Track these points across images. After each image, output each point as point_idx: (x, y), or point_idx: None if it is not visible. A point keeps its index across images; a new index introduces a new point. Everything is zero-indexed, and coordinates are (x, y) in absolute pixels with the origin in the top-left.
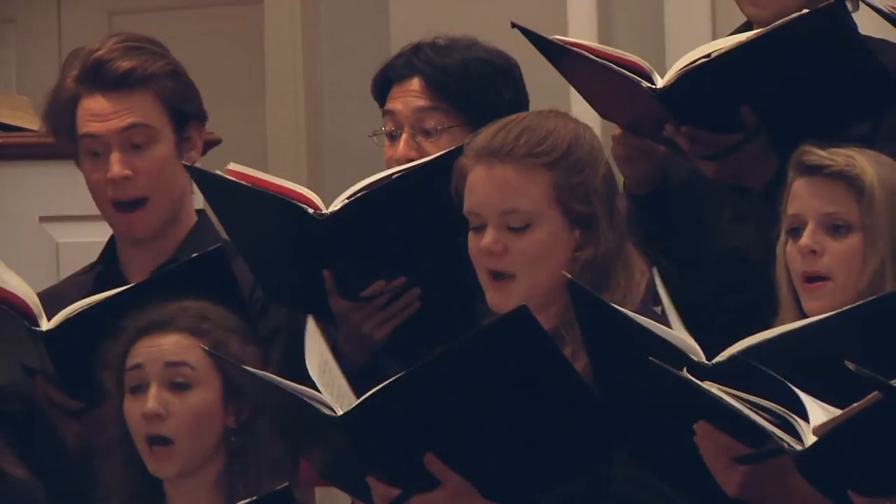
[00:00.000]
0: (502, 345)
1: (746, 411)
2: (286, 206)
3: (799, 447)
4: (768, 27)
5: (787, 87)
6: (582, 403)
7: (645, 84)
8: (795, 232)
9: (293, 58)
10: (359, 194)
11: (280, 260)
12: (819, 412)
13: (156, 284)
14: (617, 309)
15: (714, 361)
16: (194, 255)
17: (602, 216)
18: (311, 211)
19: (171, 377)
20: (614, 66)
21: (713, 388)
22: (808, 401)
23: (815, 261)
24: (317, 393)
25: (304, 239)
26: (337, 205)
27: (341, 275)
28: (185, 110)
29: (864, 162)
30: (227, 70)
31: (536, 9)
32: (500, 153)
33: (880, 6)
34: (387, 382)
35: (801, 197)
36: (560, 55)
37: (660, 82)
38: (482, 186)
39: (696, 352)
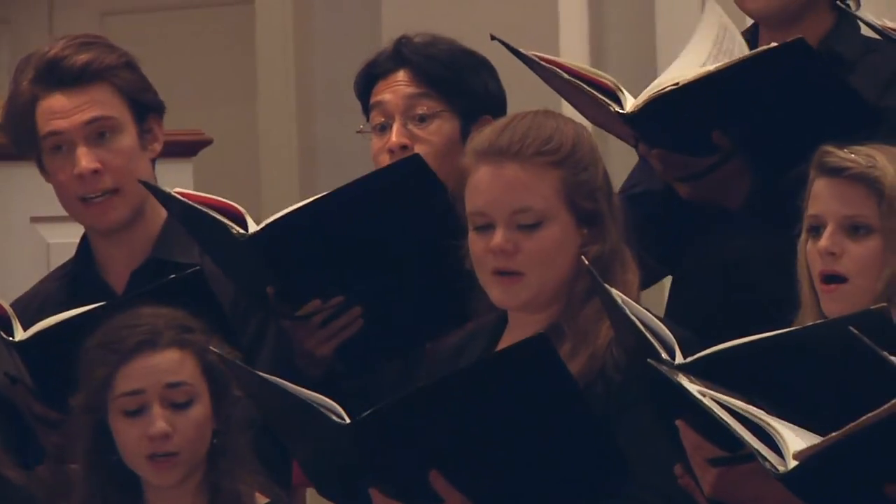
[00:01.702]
0: (517, 369)
1: (727, 418)
2: (215, 224)
3: (781, 468)
4: (736, 59)
5: (759, 113)
6: (590, 436)
7: (613, 107)
8: (815, 231)
9: (284, 58)
10: (281, 215)
11: (229, 272)
12: (794, 437)
13: (136, 301)
14: (616, 300)
15: (684, 361)
16: (173, 276)
17: (606, 213)
18: (234, 231)
19: (172, 397)
20: (584, 84)
21: (694, 389)
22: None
23: (833, 262)
24: (325, 399)
25: (235, 256)
26: (259, 225)
27: (281, 292)
28: (144, 101)
29: (885, 163)
30: (218, 70)
31: (528, 11)
32: (508, 152)
33: (873, 22)
34: (399, 395)
35: (822, 198)
36: (537, 70)
37: (628, 105)
38: (490, 186)
39: (672, 350)
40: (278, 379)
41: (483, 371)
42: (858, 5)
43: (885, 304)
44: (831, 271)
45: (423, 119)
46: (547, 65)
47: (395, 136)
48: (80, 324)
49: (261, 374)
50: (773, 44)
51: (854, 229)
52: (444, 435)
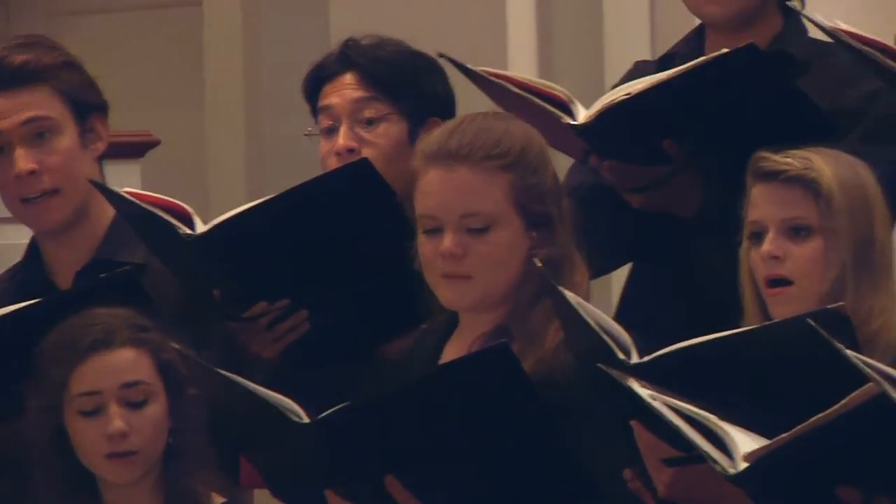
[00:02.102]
0: (478, 377)
1: (678, 422)
2: (163, 224)
3: (731, 470)
4: (686, 66)
5: (711, 120)
6: (547, 448)
7: (565, 119)
8: (757, 237)
9: (232, 59)
10: (229, 216)
11: (176, 273)
12: (744, 439)
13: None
14: (570, 301)
15: (641, 361)
16: (103, 276)
17: (556, 216)
18: (182, 231)
19: (129, 397)
20: (535, 97)
21: (644, 393)
22: (731, 429)
23: (777, 265)
24: (285, 398)
25: (182, 257)
26: (206, 226)
27: (228, 293)
28: (85, 101)
29: (821, 163)
30: (166, 72)
31: (476, 12)
32: (457, 156)
33: (823, 23)
34: (359, 398)
35: (760, 203)
36: (486, 86)
37: (581, 116)
38: (440, 190)
39: (628, 350)
40: (239, 378)
41: (444, 378)
42: (803, 6)
43: (842, 304)
44: (776, 275)
45: (370, 122)
46: (495, 79)
47: (342, 139)
48: (18, 321)
49: (222, 372)
50: (724, 49)
51: (795, 232)
52: (403, 440)
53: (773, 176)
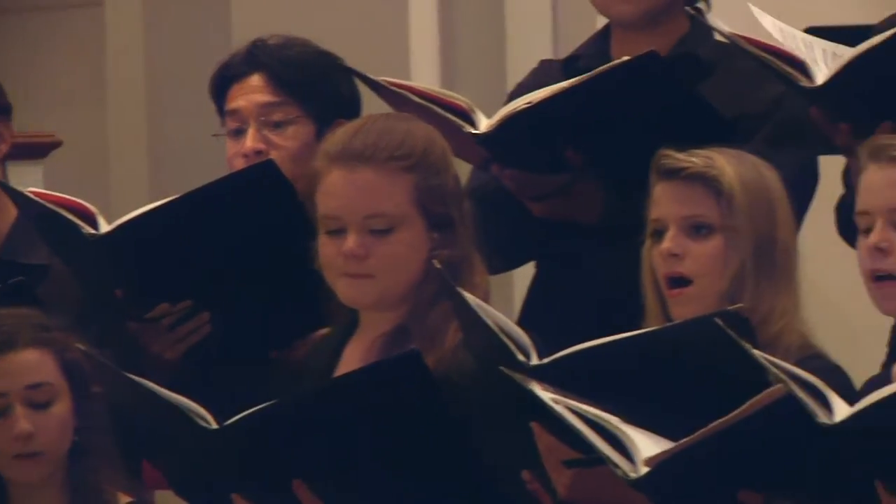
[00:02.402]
0: (387, 384)
1: (579, 425)
2: (67, 223)
3: (633, 474)
4: (587, 75)
5: (613, 128)
6: (457, 452)
7: (466, 128)
8: (658, 235)
9: (134, 60)
10: (133, 216)
11: (79, 273)
12: (646, 443)
13: None
14: (469, 303)
15: (540, 363)
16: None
17: (457, 218)
18: (85, 231)
19: (34, 398)
20: (436, 107)
21: (546, 396)
22: (632, 433)
23: (677, 263)
24: (192, 403)
25: (85, 257)
26: (110, 226)
27: (130, 294)
28: None
29: (723, 162)
30: (67, 72)
31: (379, 12)
32: (361, 157)
33: (722, 28)
34: (269, 403)
35: (662, 201)
36: (387, 95)
37: (482, 125)
38: (343, 190)
39: (528, 352)
40: (146, 380)
41: (353, 384)
42: (709, 7)
43: (742, 305)
44: (675, 273)
45: (278, 125)
46: (396, 89)
47: (250, 141)
48: None
49: (129, 374)
50: (626, 58)
51: (696, 230)
52: (311, 445)
53: (674, 174)
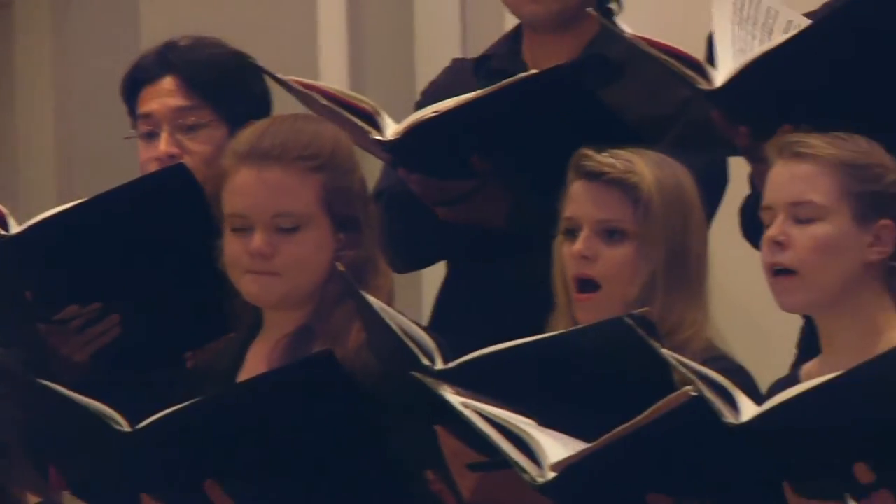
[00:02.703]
0: (300, 384)
1: (488, 430)
2: None
3: (540, 479)
4: (494, 86)
5: (519, 136)
6: (372, 451)
7: (374, 134)
8: (571, 234)
9: (42, 61)
10: (43, 217)
11: None
12: (554, 447)
13: None
14: (373, 306)
15: (445, 367)
16: None
17: (362, 219)
18: None
19: None
20: (343, 110)
21: (456, 401)
22: (540, 437)
23: (587, 265)
24: (103, 406)
25: None
26: (20, 227)
27: (39, 295)
28: None
29: (643, 167)
30: None
31: (287, 11)
32: (269, 155)
33: (625, 33)
34: (182, 405)
35: (578, 200)
36: (297, 94)
37: (388, 130)
38: (251, 189)
39: (432, 355)
40: (55, 385)
41: (266, 384)
42: (621, 8)
43: (647, 309)
44: (585, 275)
45: (191, 129)
46: (305, 90)
47: (163, 145)
48: None
49: (43, 382)
50: (533, 71)
51: (609, 234)
52: (224, 446)
53: (594, 176)
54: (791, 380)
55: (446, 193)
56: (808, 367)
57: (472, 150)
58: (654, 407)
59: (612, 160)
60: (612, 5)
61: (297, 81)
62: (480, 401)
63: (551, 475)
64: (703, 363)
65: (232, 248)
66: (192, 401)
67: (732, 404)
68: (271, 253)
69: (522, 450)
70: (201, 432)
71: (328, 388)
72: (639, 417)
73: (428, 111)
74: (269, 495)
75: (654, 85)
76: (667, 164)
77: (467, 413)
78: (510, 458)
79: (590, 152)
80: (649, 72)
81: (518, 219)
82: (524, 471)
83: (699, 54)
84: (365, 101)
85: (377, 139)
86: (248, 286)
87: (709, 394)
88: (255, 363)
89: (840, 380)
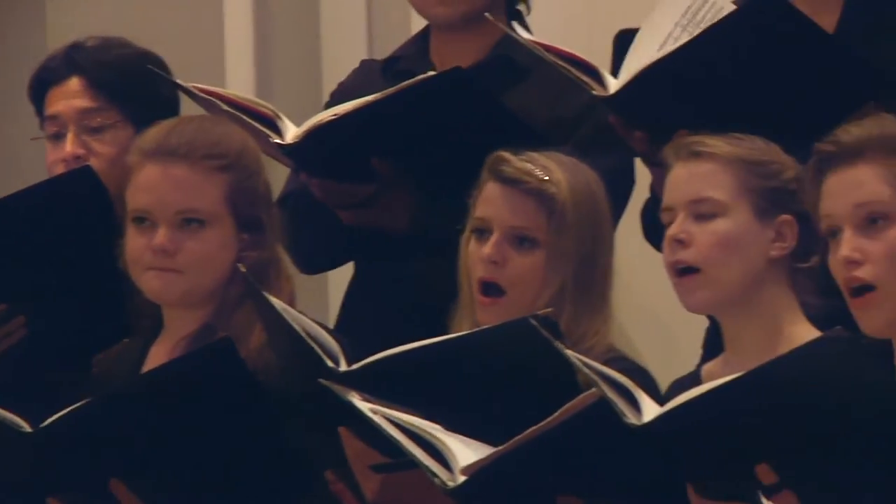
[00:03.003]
0: (200, 374)
1: (398, 435)
2: None
3: (451, 483)
4: (392, 89)
5: (420, 139)
6: (274, 442)
7: (274, 138)
8: (480, 234)
9: None
10: None
11: None
12: (464, 451)
13: None
14: (276, 308)
15: (349, 369)
16: None
17: (266, 220)
18: None
19: None
20: (244, 115)
21: (364, 407)
22: (450, 441)
23: (495, 270)
24: (4, 410)
25: None
26: None
27: None
28: None
29: (560, 177)
30: None
31: (193, 14)
32: (176, 153)
33: (522, 38)
34: (82, 403)
35: (492, 203)
36: (199, 101)
37: (289, 135)
38: (157, 185)
39: (336, 357)
40: None
41: (164, 377)
42: (529, 10)
43: (551, 310)
44: (491, 279)
45: (97, 130)
46: (205, 96)
47: (69, 146)
48: None
49: None
50: (431, 73)
51: (520, 241)
52: (127, 442)
53: (512, 183)
54: (692, 379)
55: (348, 197)
56: (709, 366)
57: (372, 154)
58: (562, 409)
59: (531, 166)
60: (521, 6)
61: (198, 88)
62: (387, 405)
63: (462, 479)
64: (605, 364)
65: (134, 244)
66: (92, 398)
67: (635, 405)
68: (174, 249)
69: (432, 454)
70: (103, 430)
71: (227, 378)
72: (548, 419)
73: (326, 114)
74: (172, 492)
75: (560, 86)
76: (580, 171)
77: (376, 419)
78: (420, 463)
79: (508, 156)
80: (556, 73)
81: (421, 222)
82: (435, 475)
83: (605, 55)
84: (266, 105)
85: (277, 143)
86: (150, 283)
87: (611, 395)
88: (157, 363)
89: (741, 380)
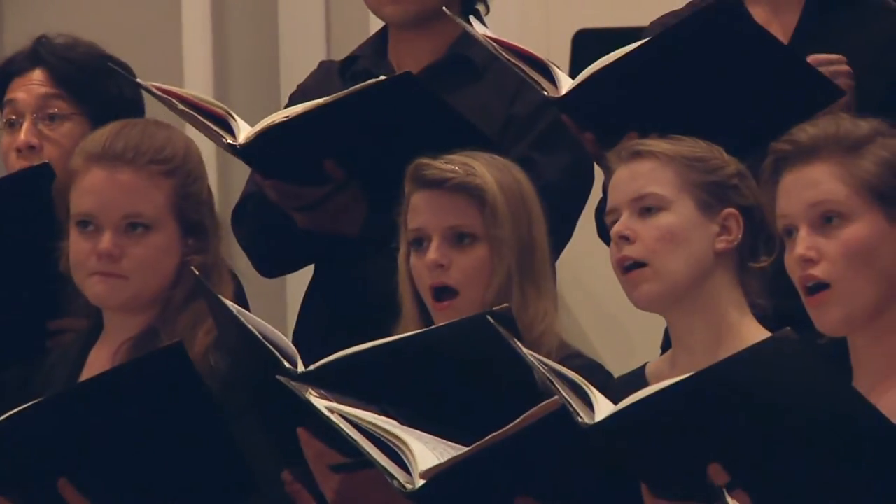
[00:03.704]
0: (149, 378)
1: (356, 436)
2: None
3: (409, 486)
4: (343, 92)
5: (371, 142)
6: (220, 447)
7: (226, 139)
8: (418, 244)
9: None
10: None
11: None
12: (424, 453)
13: None
14: (230, 310)
15: (307, 370)
16: None
17: (209, 225)
18: None
19: None
20: (198, 115)
21: (322, 405)
22: (412, 443)
23: (442, 274)
24: None
25: None
26: None
27: None
28: None
29: (483, 170)
30: None
31: (151, 14)
32: (122, 157)
33: (476, 34)
34: (31, 403)
35: (423, 211)
36: (158, 98)
37: (241, 135)
38: (102, 189)
39: (293, 359)
40: None
41: (114, 380)
42: (487, 10)
43: (507, 305)
44: (441, 283)
45: (53, 119)
46: (162, 94)
47: (23, 134)
48: None
49: None
50: (382, 77)
51: (459, 239)
52: (76, 443)
53: (437, 184)
54: (635, 376)
55: (301, 199)
56: (654, 364)
57: (323, 156)
58: (524, 415)
59: (452, 166)
60: (479, 6)
61: (156, 87)
62: (345, 403)
63: (420, 482)
64: (561, 361)
65: (78, 248)
66: (40, 399)
67: (589, 404)
68: (119, 254)
69: (389, 455)
70: (50, 430)
71: (178, 381)
72: (509, 426)
73: (278, 115)
74: (121, 491)
75: (516, 86)
76: (500, 163)
77: (334, 419)
78: (378, 465)
79: (426, 161)
80: (512, 72)
81: (373, 228)
82: (393, 477)
83: (563, 53)
84: (220, 105)
85: (229, 143)
86: (94, 287)
87: (565, 393)
88: (97, 367)
89: (692, 380)
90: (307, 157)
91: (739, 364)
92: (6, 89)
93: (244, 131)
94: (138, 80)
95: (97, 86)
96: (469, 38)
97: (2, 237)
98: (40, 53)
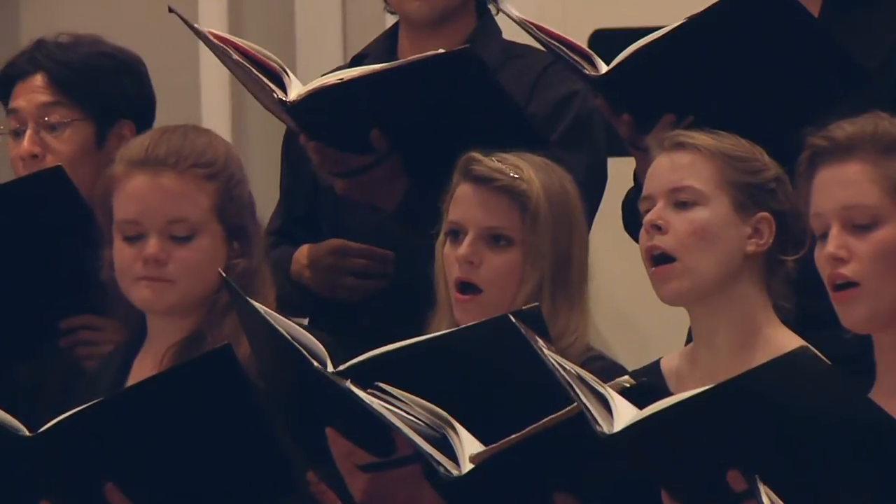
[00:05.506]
0: (200, 381)
1: (399, 424)
2: None
3: (455, 472)
4: (402, 61)
5: (418, 116)
6: (268, 450)
7: (278, 94)
8: (455, 235)
9: None
10: None
11: None
12: (470, 437)
13: None
14: (260, 312)
15: (337, 370)
16: None
17: (251, 229)
18: None
19: None
20: (252, 67)
21: (358, 391)
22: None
23: (471, 270)
24: (5, 414)
25: None
26: None
27: None
28: None
29: (532, 175)
30: None
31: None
32: (165, 163)
33: (512, 14)
34: (81, 408)
35: (465, 204)
36: (212, 47)
37: (292, 93)
38: (146, 195)
39: (322, 359)
40: None
41: (163, 383)
42: (497, 11)
43: (537, 304)
44: (466, 279)
45: (54, 128)
46: (218, 42)
47: (26, 143)
48: None
49: None
50: (441, 50)
51: (494, 239)
52: (123, 448)
53: (483, 181)
54: (650, 371)
55: (343, 165)
56: (670, 359)
57: (372, 125)
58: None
59: (502, 165)
60: (490, 6)
61: (212, 33)
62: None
63: (469, 467)
64: (582, 364)
65: (123, 255)
66: (91, 403)
67: (609, 410)
68: (165, 259)
69: (432, 443)
70: (98, 436)
71: (226, 383)
72: (554, 415)
73: (332, 77)
74: (169, 496)
75: (532, 84)
76: (552, 170)
77: (376, 405)
78: (423, 451)
79: (478, 156)
80: (528, 70)
81: (410, 206)
82: (439, 464)
83: None
84: (274, 60)
85: (280, 99)
86: (141, 293)
87: (585, 400)
88: (143, 373)
89: (712, 392)
90: (354, 123)
91: (759, 376)
92: (10, 94)
93: (296, 89)
94: (196, 25)
95: (98, 87)
96: (482, 36)
97: (14, 238)
98: (37, 58)
